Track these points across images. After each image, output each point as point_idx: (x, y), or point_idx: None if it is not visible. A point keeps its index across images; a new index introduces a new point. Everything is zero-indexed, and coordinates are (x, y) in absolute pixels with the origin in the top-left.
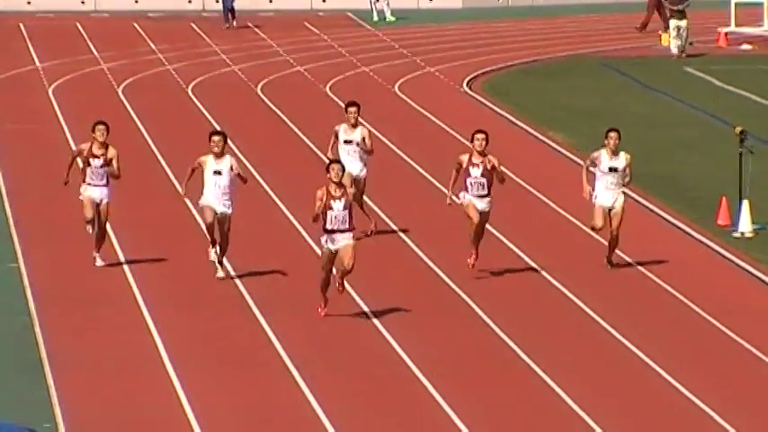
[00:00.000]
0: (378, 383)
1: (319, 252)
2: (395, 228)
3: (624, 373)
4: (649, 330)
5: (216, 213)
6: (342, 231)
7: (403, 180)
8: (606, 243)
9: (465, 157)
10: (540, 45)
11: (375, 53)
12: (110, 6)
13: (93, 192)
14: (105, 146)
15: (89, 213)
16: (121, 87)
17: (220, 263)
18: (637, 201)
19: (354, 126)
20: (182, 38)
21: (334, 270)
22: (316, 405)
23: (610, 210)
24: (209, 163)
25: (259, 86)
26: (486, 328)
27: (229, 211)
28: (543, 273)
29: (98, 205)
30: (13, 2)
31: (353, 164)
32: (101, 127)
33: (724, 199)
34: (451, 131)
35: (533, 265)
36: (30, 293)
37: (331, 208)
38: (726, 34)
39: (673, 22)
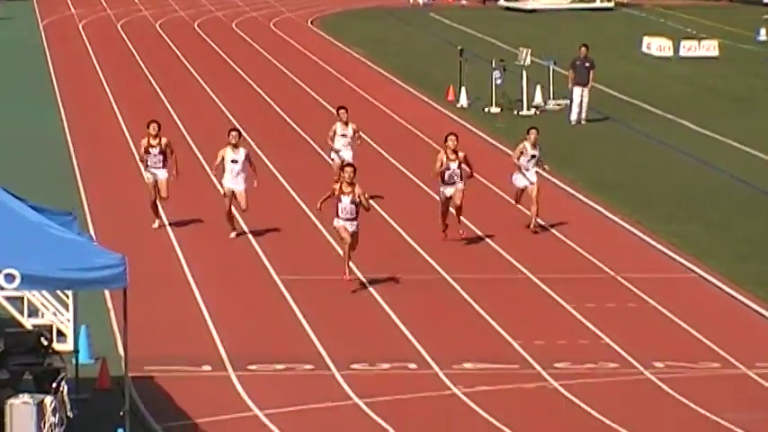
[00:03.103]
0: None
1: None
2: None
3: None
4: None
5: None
6: (349, 220)
7: (273, 74)
8: (530, 212)
9: (442, 155)
10: (351, 1)
11: (259, 5)
12: None
13: (157, 173)
14: (158, 137)
15: (153, 190)
16: (81, 24)
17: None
18: (411, 91)
19: (346, 124)
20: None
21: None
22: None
23: (529, 185)
24: (228, 153)
25: (196, 23)
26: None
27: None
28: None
29: (157, 182)
30: None
31: (347, 152)
32: (153, 125)
33: (451, 86)
34: (299, 47)
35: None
36: None
37: (341, 201)
38: None
39: None
